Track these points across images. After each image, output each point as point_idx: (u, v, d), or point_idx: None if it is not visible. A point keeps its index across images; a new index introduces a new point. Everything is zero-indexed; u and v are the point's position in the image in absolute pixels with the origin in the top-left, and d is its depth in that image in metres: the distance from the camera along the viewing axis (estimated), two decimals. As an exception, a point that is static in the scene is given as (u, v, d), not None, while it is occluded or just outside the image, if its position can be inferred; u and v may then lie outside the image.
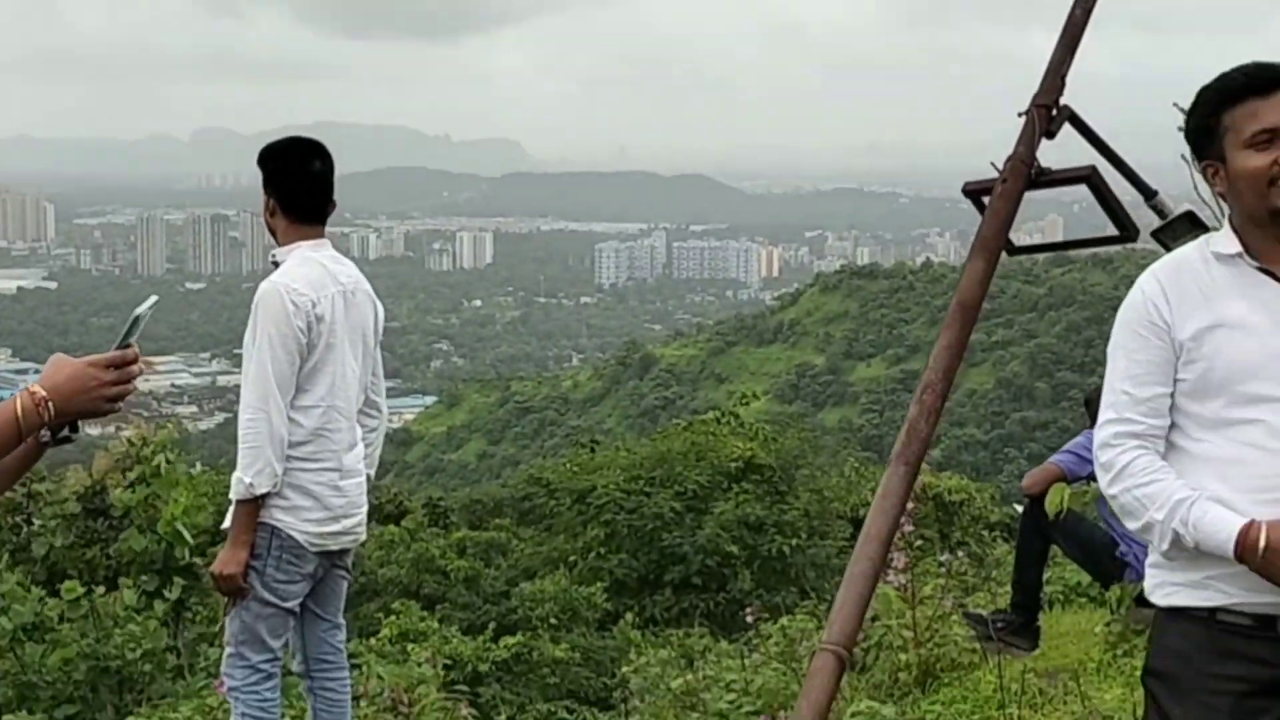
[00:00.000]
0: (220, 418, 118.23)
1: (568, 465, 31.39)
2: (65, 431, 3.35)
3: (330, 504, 6.09)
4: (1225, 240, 3.89)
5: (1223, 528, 3.68)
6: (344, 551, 6.30)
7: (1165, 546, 3.80)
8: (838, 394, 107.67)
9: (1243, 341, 3.76)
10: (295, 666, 6.36)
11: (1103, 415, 3.93)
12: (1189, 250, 4.00)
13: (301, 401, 6.02)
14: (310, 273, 6.09)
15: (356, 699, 6.74)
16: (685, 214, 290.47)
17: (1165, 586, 3.87)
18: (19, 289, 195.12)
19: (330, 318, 6.05)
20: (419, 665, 8.88)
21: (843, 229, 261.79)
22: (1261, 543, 3.64)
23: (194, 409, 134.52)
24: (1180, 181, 5.90)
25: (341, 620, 6.42)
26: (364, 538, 6.43)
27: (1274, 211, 3.80)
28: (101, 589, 11.02)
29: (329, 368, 6.07)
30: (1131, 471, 3.83)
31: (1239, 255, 3.85)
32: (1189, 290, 3.84)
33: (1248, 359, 3.75)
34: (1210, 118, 3.88)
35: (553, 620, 23.71)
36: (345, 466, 6.16)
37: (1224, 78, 3.92)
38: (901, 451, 6.04)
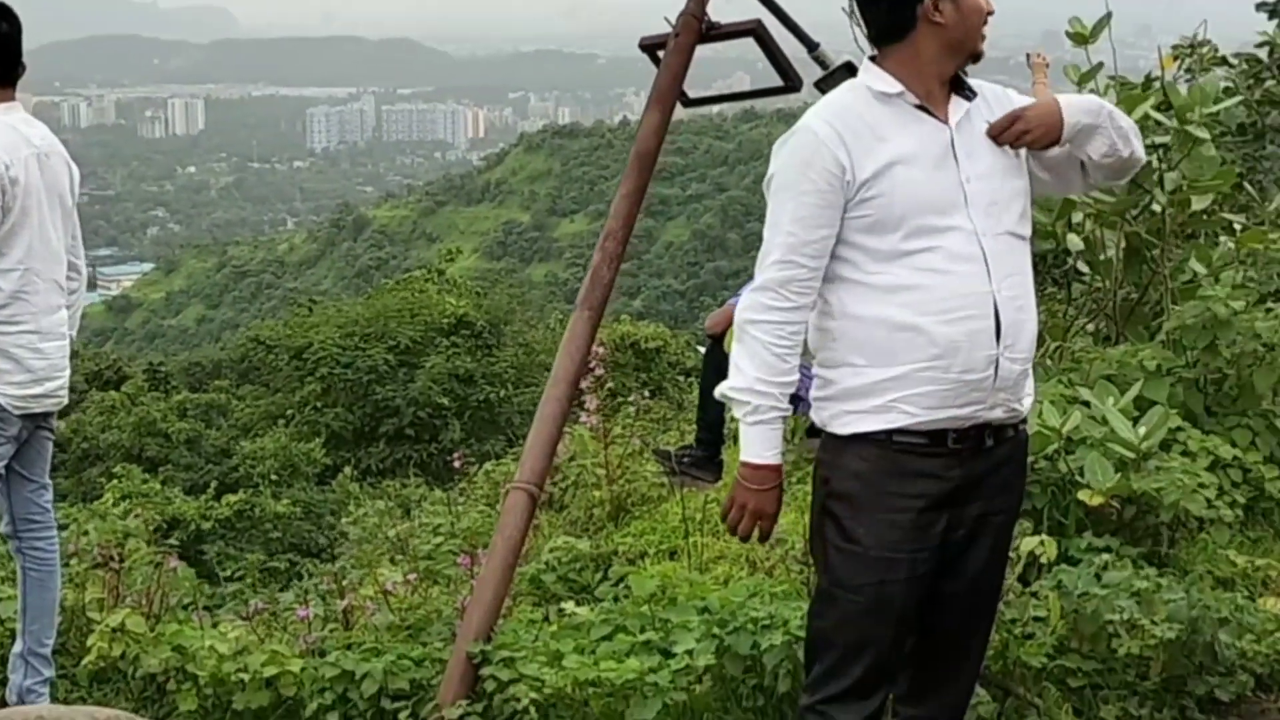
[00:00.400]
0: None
1: (286, 324, 31.06)
2: None
3: (31, 366, 5.88)
4: (883, 81, 3.89)
5: (754, 446, 3.92)
6: (48, 414, 6.11)
7: (731, 396, 3.91)
8: (544, 250, 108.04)
9: (917, 175, 3.81)
10: (3, 528, 6.16)
11: (772, 253, 3.89)
12: (843, 94, 3.97)
13: (-3, 265, 5.79)
14: (2, 136, 5.83)
15: (67, 558, 6.57)
16: (393, 78, 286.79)
17: (843, 416, 3.89)
18: None
19: (25, 181, 5.80)
20: (121, 520, 8.70)
21: (544, 90, 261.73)
22: (760, 486, 3.92)
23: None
24: (841, 35, 5.99)
25: (48, 481, 6.23)
26: (66, 400, 6.23)
27: (975, 54, 3.91)
28: None
29: (25, 231, 5.83)
30: (778, 331, 3.86)
31: (900, 95, 3.88)
32: (860, 131, 3.84)
33: (923, 192, 3.80)
34: None
35: (273, 476, 23.57)
36: (45, 329, 5.94)
37: None
38: (586, 297, 6.10)
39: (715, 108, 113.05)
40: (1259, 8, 11.71)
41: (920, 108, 3.87)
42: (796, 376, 3.88)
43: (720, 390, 3.95)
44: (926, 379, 3.80)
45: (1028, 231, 3.98)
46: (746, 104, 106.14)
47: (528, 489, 5.78)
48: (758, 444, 3.90)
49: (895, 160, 3.80)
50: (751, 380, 3.86)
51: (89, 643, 6.05)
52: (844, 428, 3.90)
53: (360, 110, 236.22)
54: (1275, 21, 11.44)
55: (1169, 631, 5.25)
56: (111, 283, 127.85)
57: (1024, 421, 4.05)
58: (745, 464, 3.91)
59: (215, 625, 6.20)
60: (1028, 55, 4.98)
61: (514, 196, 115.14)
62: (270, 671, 5.62)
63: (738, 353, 3.91)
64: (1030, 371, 4.00)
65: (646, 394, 13.20)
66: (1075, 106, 3.96)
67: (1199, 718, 5.41)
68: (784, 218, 3.86)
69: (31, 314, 5.88)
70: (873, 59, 3.96)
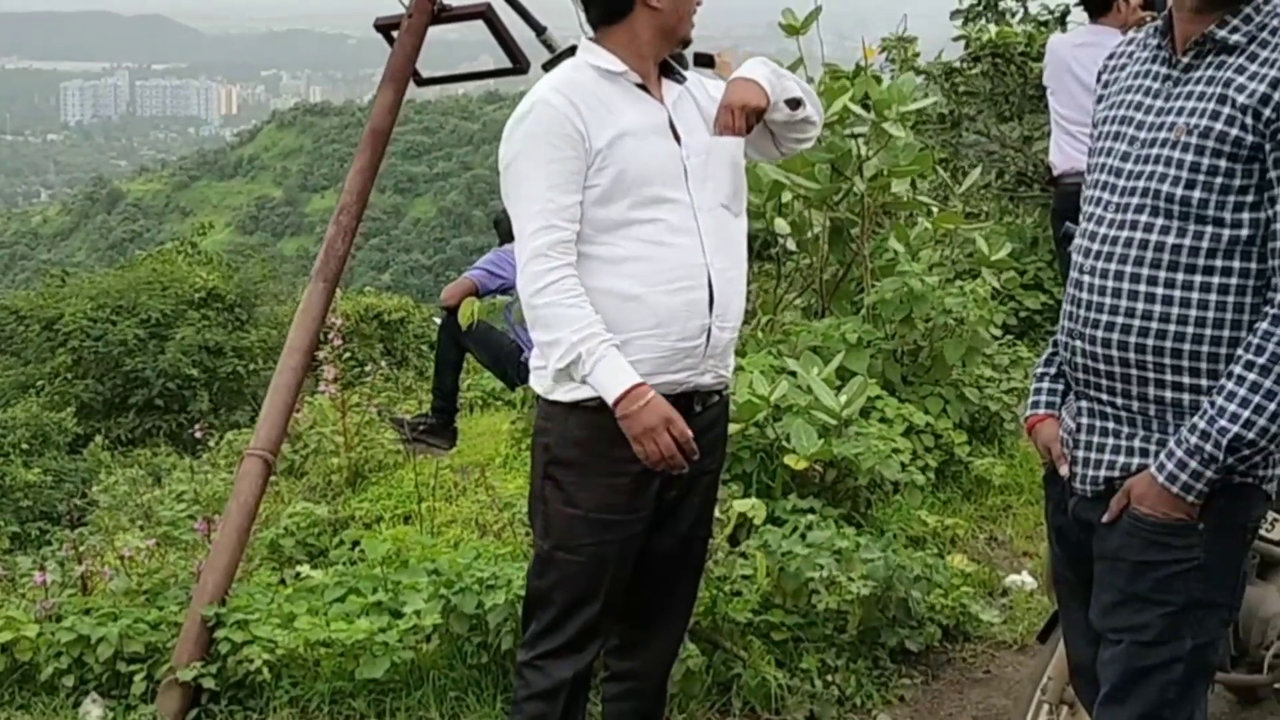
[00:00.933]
0: None
1: (39, 295, 30.20)
2: None
3: None
4: (608, 60, 3.91)
5: (614, 376, 3.73)
6: None
7: (561, 365, 3.78)
8: (295, 224, 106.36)
9: (645, 147, 3.84)
10: None
11: (532, 222, 3.81)
12: (568, 72, 3.96)
13: None
14: None
15: None
16: (146, 54, 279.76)
17: (568, 383, 3.86)
18: None
19: None
20: None
21: (297, 69, 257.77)
22: (640, 403, 3.72)
23: None
24: (568, 21, 5.99)
25: None
26: None
27: (685, 39, 3.98)
28: None
29: None
30: (561, 288, 3.77)
31: (623, 74, 3.90)
32: (592, 104, 3.84)
33: (651, 163, 3.83)
34: None
35: (24, 445, 22.86)
36: None
37: None
38: (321, 269, 6.04)
39: (459, 89, 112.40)
40: (954, 15, 12.05)
41: (640, 87, 3.92)
42: (598, 316, 3.78)
43: (551, 374, 3.86)
44: (645, 346, 3.83)
45: (741, 207, 4.06)
46: (491, 86, 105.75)
47: (262, 455, 5.70)
48: (610, 379, 3.74)
49: (625, 132, 3.83)
50: (567, 339, 3.75)
51: None
52: (566, 395, 3.89)
53: (114, 85, 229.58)
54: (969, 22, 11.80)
55: (865, 588, 5.39)
56: None
57: (728, 386, 4.13)
58: (616, 401, 3.73)
59: (-49, 592, 6.00)
60: (699, 54, 4.82)
61: (266, 172, 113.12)
62: (5, 637, 5.46)
63: (539, 334, 3.83)
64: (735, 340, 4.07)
65: (384, 364, 13.12)
66: (751, 71, 4.00)
67: (891, 667, 5.57)
68: (539, 187, 3.80)
69: None
70: (593, 41, 3.98)
